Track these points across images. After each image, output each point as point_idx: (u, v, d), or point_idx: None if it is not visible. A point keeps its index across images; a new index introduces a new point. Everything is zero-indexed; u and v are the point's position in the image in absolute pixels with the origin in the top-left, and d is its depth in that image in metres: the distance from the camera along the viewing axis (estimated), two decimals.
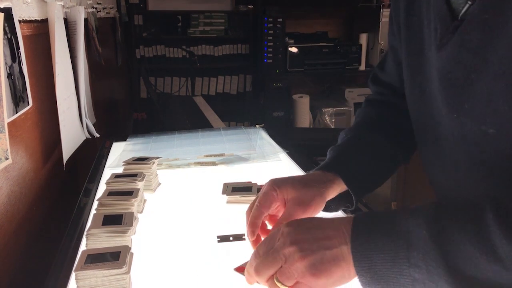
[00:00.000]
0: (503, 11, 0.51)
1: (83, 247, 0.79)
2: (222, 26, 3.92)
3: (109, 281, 0.65)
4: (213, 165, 1.25)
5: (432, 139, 0.68)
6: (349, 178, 0.74)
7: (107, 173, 1.15)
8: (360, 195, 0.77)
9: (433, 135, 0.67)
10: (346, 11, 4.27)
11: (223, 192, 1.00)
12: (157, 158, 1.13)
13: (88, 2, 1.77)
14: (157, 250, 0.81)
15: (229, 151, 1.34)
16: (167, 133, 1.57)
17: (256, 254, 0.59)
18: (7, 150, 0.81)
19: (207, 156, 1.31)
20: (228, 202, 0.99)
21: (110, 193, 0.91)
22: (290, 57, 3.90)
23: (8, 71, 0.84)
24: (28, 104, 0.96)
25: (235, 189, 1.00)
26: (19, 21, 0.92)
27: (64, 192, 1.30)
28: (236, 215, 0.91)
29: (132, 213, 0.83)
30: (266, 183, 0.72)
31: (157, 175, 1.12)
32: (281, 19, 3.80)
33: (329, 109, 3.88)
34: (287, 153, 1.33)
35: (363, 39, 4.04)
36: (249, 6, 3.92)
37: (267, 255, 0.56)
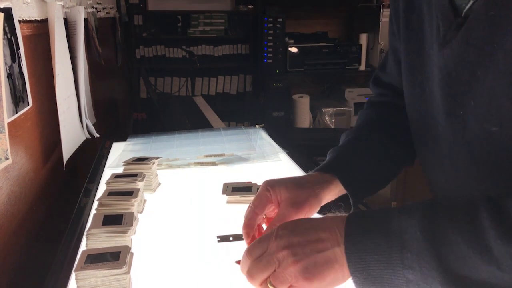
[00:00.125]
0: (509, 7, 0.50)
1: (83, 247, 0.79)
2: (222, 26, 3.92)
3: (109, 281, 0.65)
4: (213, 165, 1.25)
5: (432, 139, 0.67)
6: (347, 179, 0.73)
7: (107, 173, 1.15)
8: (358, 197, 0.75)
9: (433, 135, 0.66)
10: (346, 11, 4.27)
11: (223, 192, 1.00)
12: (157, 158, 1.13)
13: (88, 2, 1.77)
14: (157, 250, 0.81)
15: (229, 151, 1.34)
16: (167, 133, 1.57)
17: (248, 254, 0.58)
18: (7, 150, 0.81)
19: (207, 156, 1.31)
20: (228, 202, 0.99)
21: (110, 193, 0.91)
22: (290, 57, 3.90)
23: (8, 71, 0.84)
24: (28, 104, 0.96)
25: (235, 189, 1.00)
26: (19, 21, 0.92)
27: (64, 192, 1.30)
28: (236, 215, 0.91)
29: (132, 213, 0.83)
30: (261, 185, 0.72)
31: (157, 175, 1.12)
32: (281, 19, 3.80)
33: (329, 109, 3.88)
34: (287, 153, 1.33)
35: (363, 39, 4.04)
36: (249, 6, 3.92)
37: (260, 258, 0.56)
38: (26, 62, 0.95)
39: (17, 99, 0.89)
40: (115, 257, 0.67)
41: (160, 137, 1.53)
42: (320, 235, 0.54)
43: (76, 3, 1.46)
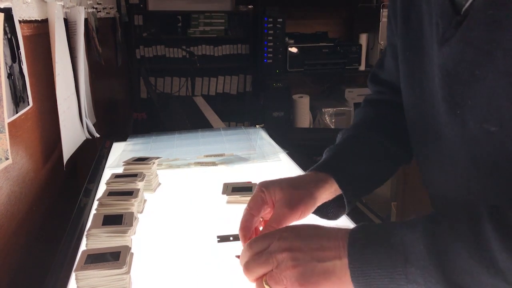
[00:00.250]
0: (508, 6, 0.50)
1: (83, 247, 0.79)
2: (222, 26, 3.92)
3: (109, 281, 0.65)
4: (213, 165, 1.25)
5: (431, 138, 0.66)
6: (342, 179, 0.72)
7: (107, 173, 1.15)
8: (353, 195, 0.74)
9: (433, 134, 0.66)
10: (346, 11, 4.27)
11: (223, 192, 1.00)
12: (157, 158, 1.13)
13: (88, 2, 1.77)
14: (157, 250, 0.81)
15: (229, 151, 1.34)
16: (167, 133, 1.58)
17: (248, 247, 0.58)
18: (7, 150, 0.81)
19: (207, 156, 1.31)
20: (228, 202, 0.99)
21: (110, 193, 0.91)
22: (290, 57, 3.90)
23: (8, 71, 0.84)
24: (28, 104, 0.96)
25: (235, 189, 1.00)
26: (19, 21, 0.92)
27: (64, 192, 1.30)
28: (236, 215, 0.91)
29: (132, 213, 0.83)
30: (256, 186, 0.71)
31: (157, 175, 1.12)
32: (281, 19, 3.80)
33: (329, 109, 3.89)
34: (287, 153, 1.33)
35: (363, 39, 4.05)
36: (249, 6, 3.92)
37: (260, 255, 0.56)
38: (27, 62, 0.95)
39: (18, 99, 0.89)
40: (115, 257, 0.67)
41: (160, 137, 1.53)
42: (323, 244, 0.54)
43: (76, 3, 1.46)
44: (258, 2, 3.89)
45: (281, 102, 3.88)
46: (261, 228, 0.72)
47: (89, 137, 1.46)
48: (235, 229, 0.85)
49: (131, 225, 0.79)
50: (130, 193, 0.90)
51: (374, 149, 0.79)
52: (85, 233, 0.78)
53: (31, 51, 1.05)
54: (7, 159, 0.81)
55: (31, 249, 0.98)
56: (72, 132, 1.29)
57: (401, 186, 2.24)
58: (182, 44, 3.85)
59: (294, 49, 3.91)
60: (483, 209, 0.48)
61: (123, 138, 1.51)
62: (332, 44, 4.00)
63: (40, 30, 1.12)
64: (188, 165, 1.25)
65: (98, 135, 1.51)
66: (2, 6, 0.81)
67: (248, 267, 0.57)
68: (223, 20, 3.91)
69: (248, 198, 0.96)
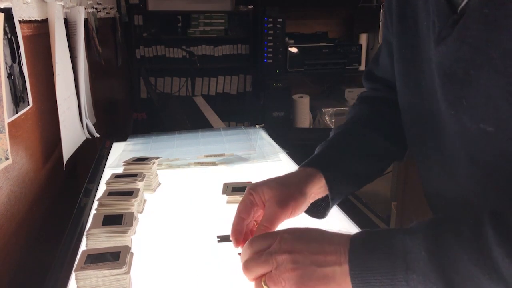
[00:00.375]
0: (504, 5, 0.49)
1: (83, 247, 0.79)
2: (222, 26, 3.92)
3: (109, 281, 0.65)
4: (213, 165, 1.25)
5: (430, 137, 0.66)
6: (328, 173, 0.72)
7: (107, 173, 1.15)
8: (339, 192, 0.73)
9: (432, 133, 0.65)
10: (346, 11, 4.27)
11: (223, 192, 1.00)
12: (157, 158, 1.13)
13: (88, 2, 1.77)
14: (157, 250, 0.81)
15: (229, 151, 1.34)
16: (167, 133, 1.58)
17: (249, 245, 0.58)
18: (7, 150, 0.81)
19: (207, 156, 1.31)
20: (228, 202, 0.99)
21: (110, 193, 0.91)
22: (290, 57, 3.90)
23: (8, 71, 0.84)
24: (28, 104, 0.96)
25: (235, 189, 1.00)
26: (19, 21, 0.92)
27: (64, 192, 1.30)
28: None
29: (132, 213, 0.83)
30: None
31: (157, 175, 1.12)
32: (281, 19, 3.81)
33: (329, 109, 3.89)
34: (287, 153, 1.33)
35: (363, 39, 4.05)
36: (249, 6, 3.92)
37: (260, 255, 0.56)
38: (27, 62, 0.95)
39: (17, 99, 0.89)
40: (115, 257, 0.67)
41: (160, 137, 1.53)
42: (324, 248, 0.54)
43: (76, 3, 1.46)
44: (258, 2, 3.89)
45: (281, 102, 3.88)
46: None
47: (89, 137, 1.46)
48: None
49: (131, 225, 0.79)
50: (130, 193, 0.90)
51: (365, 145, 0.79)
52: (85, 233, 0.78)
53: (31, 51, 1.05)
54: (7, 159, 0.81)
55: (31, 249, 0.98)
56: (72, 132, 1.29)
57: (401, 186, 2.24)
58: (182, 44, 3.85)
59: (294, 49, 3.91)
60: (485, 215, 0.48)
61: (123, 138, 1.51)
62: (332, 44, 4.00)
63: (40, 30, 1.12)
64: (188, 165, 1.25)
65: (98, 135, 1.51)
66: (2, 6, 0.81)
67: (247, 266, 0.57)
68: (223, 20, 3.91)
69: None
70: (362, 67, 4.02)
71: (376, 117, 0.84)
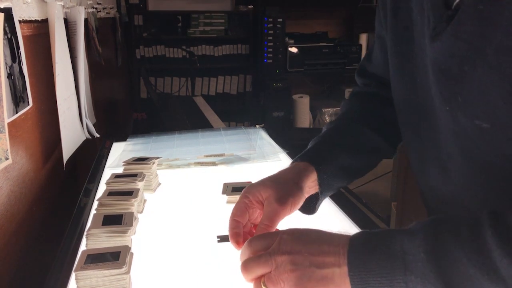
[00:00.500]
0: (498, 1, 0.49)
1: (83, 247, 0.79)
2: (222, 26, 3.92)
3: (109, 281, 0.65)
4: (213, 165, 1.25)
5: (425, 132, 0.66)
6: (319, 167, 0.72)
7: (107, 173, 1.15)
8: (331, 184, 0.74)
9: (427, 129, 0.65)
10: (346, 11, 4.28)
11: (223, 192, 1.00)
12: (157, 158, 1.13)
13: (88, 2, 1.77)
14: (157, 250, 0.81)
15: (229, 151, 1.34)
16: (167, 133, 1.58)
17: (248, 245, 0.58)
18: (7, 150, 0.81)
19: (207, 156, 1.31)
20: (228, 202, 0.99)
21: (110, 193, 0.91)
22: (290, 57, 3.90)
23: (8, 71, 0.84)
24: (28, 104, 0.96)
25: (235, 189, 1.00)
26: (19, 21, 0.92)
27: (64, 192, 1.30)
28: None
29: (132, 213, 0.83)
30: None
31: (157, 175, 1.12)
32: (281, 19, 3.81)
33: (329, 109, 3.89)
34: (287, 153, 1.33)
35: (363, 39, 4.05)
36: (249, 6, 3.93)
37: (260, 255, 0.56)
38: (27, 62, 0.95)
39: (17, 99, 0.89)
40: (115, 257, 0.67)
41: (160, 137, 1.53)
42: (323, 249, 0.54)
43: (76, 3, 1.46)
44: (258, 2, 3.89)
45: (281, 102, 3.88)
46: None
47: (89, 137, 1.46)
48: None
49: (131, 225, 0.79)
50: (130, 193, 0.90)
51: (357, 140, 0.80)
52: (85, 233, 0.78)
53: (31, 51, 1.05)
54: (7, 159, 0.81)
55: (31, 249, 0.98)
56: (72, 132, 1.29)
57: (401, 186, 2.24)
58: (182, 44, 3.85)
59: (294, 49, 3.91)
60: (483, 215, 0.48)
61: (123, 138, 1.51)
62: (332, 44, 4.00)
63: (40, 30, 1.12)
64: (188, 165, 1.25)
65: (98, 135, 1.51)
66: (2, 6, 0.81)
67: (246, 266, 0.57)
68: (223, 20, 3.91)
69: None
70: None
71: (367, 112, 0.84)
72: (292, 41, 3.96)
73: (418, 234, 0.50)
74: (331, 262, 0.53)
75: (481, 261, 0.45)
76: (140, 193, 0.94)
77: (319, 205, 0.78)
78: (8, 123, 0.82)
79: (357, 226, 0.88)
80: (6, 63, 0.83)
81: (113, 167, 1.21)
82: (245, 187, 1.03)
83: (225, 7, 3.95)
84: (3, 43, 0.81)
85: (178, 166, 1.25)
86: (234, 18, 3.98)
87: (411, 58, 0.66)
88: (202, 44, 3.93)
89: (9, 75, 0.85)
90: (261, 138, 1.50)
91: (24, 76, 0.93)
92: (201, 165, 1.25)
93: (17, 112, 0.89)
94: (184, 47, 3.84)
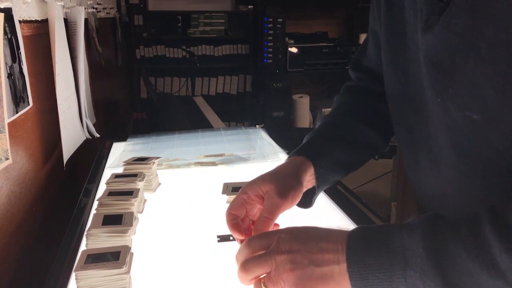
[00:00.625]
0: None
1: (83, 247, 0.79)
2: (222, 26, 3.92)
3: (109, 281, 0.65)
4: (213, 165, 1.25)
5: (417, 123, 0.66)
6: (316, 161, 0.73)
7: (107, 173, 1.15)
8: (326, 178, 0.75)
9: (418, 120, 0.65)
10: (346, 11, 4.28)
11: (223, 192, 1.00)
12: (157, 158, 1.13)
13: (88, 2, 1.78)
14: (157, 250, 0.81)
15: (229, 151, 1.34)
16: (167, 133, 1.58)
17: (246, 245, 0.58)
18: (7, 150, 0.81)
19: (207, 156, 1.31)
20: (228, 202, 0.99)
21: (110, 193, 0.91)
22: (290, 57, 3.90)
23: (9, 71, 0.84)
24: (28, 104, 0.96)
25: (235, 189, 1.00)
26: (19, 21, 0.92)
27: (64, 192, 1.30)
28: None
29: (132, 213, 0.83)
30: None
31: (157, 175, 1.12)
32: (281, 19, 3.81)
33: (329, 109, 3.85)
34: (287, 153, 1.33)
35: (363, 39, 4.03)
36: (249, 6, 3.92)
37: (259, 255, 0.56)
38: (27, 62, 0.95)
39: (18, 99, 0.89)
40: (115, 257, 0.68)
41: (160, 137, 1.53)
42: (322, 247, 0.53)
43: (76, 3, 1.46)
44: (258, 2, 3.89)
45: (281, 102, 3.88)
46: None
47: (89, 137, 1.46)
48: None
49: (131, 225, 0.79)
50: (130, 193, 0.90)
51: (351, 135, 0.80)
52: (85, 233, 0.78)
53: (31, 51, 1.05)
54: (7, 159, 0.81)
55: (31, 249, 0.98)
56: (72, 132, 1.29)
57: (401, 186, 2.24)
58: (182, 44, 3.85)
59: (294, 49, 3.92)
60: (482, 211, 0.48)
61: (123, 138, 1.51)
62: (332, 44, 4.00)
63: (40, 30, 1.12)
64: (188, 165, 1.25)
65: (98, 135, 1.51)
66: (2, 6, 0.81)
67: (245, 266, 0.56)
68: (223, 20, 3.91)
69: None
70: None
71: (361, 106, 0.85)
72: (292, 41, 3.96)
73: (417, 229, 0.50)
74: (330, 259, 0.53)
75: (481, 256, 0.45)
76: (140, 193, 0.94)
77: (315, 199, 0.79)
78: (8, 123, 0.82)
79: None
80: (6, 63, 0.83)
81: (113, 167, 1.21)
82: None
83: (225, 7, 3.95)
84: (3, 43, 0.81)
85: (178, 166, 1.25)
86: (234, 18, 3.98)
87: (403, 52, 0.66)
88: (202, 44, 3.93)
89: (9, 75, 0.85)
90: (261, 138, 1.50)
91: (24, 76, 0.93)
92: (201, 165, 1.25)
93: (17, 112, 0.89)
94: (184, 47, 3.84)
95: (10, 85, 0.85)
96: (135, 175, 1.00)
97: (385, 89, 0.75)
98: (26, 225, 0.96)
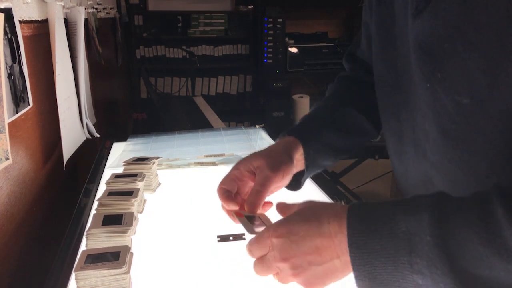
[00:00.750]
0: None
1: (83, 247, 0.79)
2: (222, 26, 3.92)
3: (109, 281, 0.65)
4: (213, 165, 1.25)
5: (404, 110, 0.66)
6: (306, 142, 0.75)
7: (107, 173, 1.15)
8: (316, 160, 0.76)
9: (405, 106, 0.65)
10: (346, 11, 4.27)
11: None
12: (157, 158, 1.13)
13: (88, 2, 1.78)
14: (157, 250, 0.81)
15: (229, 151, 1.34)
16: (167, 133, 1.58)
17: (249, 253, 0.59)
18: (8, 150, 0.81)
19: (207, 156, 1.31)
20: None
21: (110, 193, 0.91)
22: (290, 57, 3.90)
23: (9, 72, 0.84)
24: (29, 104, 0.96)
25: None
26: (20, 22, 0.92)
27: (64, 192, 1.30)
28: None
29: (132, 213, 0.83)
30: None
31: (157, 175, 1.12)
32: (281, 19, 3.81)
33: None
34: None
35: None
36: (249, 6, 3.92)
37: (262, 261, 0.57)
38: (27, 62, 0.95)
39: (18, 99, 0.90)
40: (115, 257, 0.68)
41: (160, 137, 1.53)
42: (317, 245, 0.53)
43: (77, 4, 1.46)
44: (258, 2, 3.89)
45: (281, 102, 3.88)
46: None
47: (89, 137, 1.46)
48: (235, 229, 0.86)
49: (131, 225, 0.79)
50: (130, 193, 0.90)
51: (343, 120, 0.82)
52: (85, 233, 0.78)
53: (31, 51, 1.05)
54: (7, 159, 0.81)
55: (31, 249, 0.98)
56: (72, 132, 1.29)
57: None
58: (182, 44, 3.85)
59: (294, 49, 3.91)
60: (492, 193, 0.47)
61: (123, 138, 1.51)
62: (332, 44, 4.00)
63: (40, 30, 1.12)
64: (188, 165, 1.25)
65: (98, 135, 1.51)
66: (2, 6, 0.81)
67: (256, 271, 0.58)
68: (223, 20, 3.91)
69: None
70: None
71: (353, 94, 0.87)
72: (292, 41, 3.96)
73: (424, 215, 0.48)
74: (328, 256, 0.53)
75: (492, 241, 0.44)
76: (140, 193, 0.94)
77: (304, 181, 0.79)
78: (8, 123, 0.82)
79: None
80: (6, 63, 0.83)
81: (113, 167, 1.22)
82: None
83: (225, 7, 3.94)
84: (3, 43, 0.81)
85: (178, 166, 1.25)
86: (234, 18, 3.98)
87: (393, 40, 0.67)
88: (202, 44, 3.93)
89: (9, 75, 0.85)
90: (261, 138, 1.50)
91: (24, 76, 0.93)
92: (201, 165, 1.25)
93: (17, 112, 0.89)
94: (184, 47, 3.84)
95: (10, 85, 0.85)
96: (135, 175, 1.00)
97: (374, 79, 0.76)
98: (26, 225, 0.96)
